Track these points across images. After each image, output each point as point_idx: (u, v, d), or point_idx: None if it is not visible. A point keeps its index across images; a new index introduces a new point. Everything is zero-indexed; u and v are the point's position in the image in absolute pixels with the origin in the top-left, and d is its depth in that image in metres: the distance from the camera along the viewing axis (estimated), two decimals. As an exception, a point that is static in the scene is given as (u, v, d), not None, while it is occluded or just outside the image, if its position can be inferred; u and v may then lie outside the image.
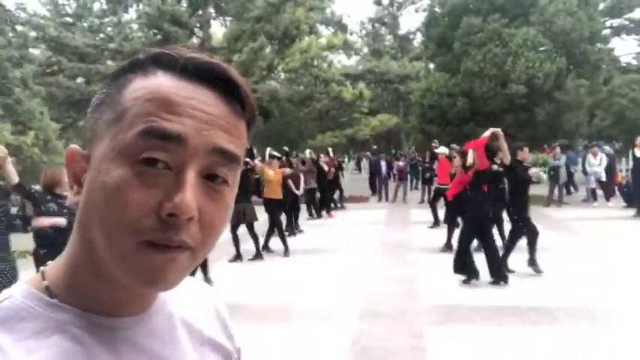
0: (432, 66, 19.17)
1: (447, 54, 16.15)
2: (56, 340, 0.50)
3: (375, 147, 22.53)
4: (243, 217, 7.42)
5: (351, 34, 37.25)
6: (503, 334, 4.44)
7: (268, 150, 9.80)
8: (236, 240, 7.58)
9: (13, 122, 14.07)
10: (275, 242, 8.25)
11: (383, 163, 16.97)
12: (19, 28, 16.32)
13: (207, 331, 0.65)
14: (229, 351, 0.67)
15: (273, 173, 8.29)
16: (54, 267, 0.56)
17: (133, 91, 0.51)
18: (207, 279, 5.92)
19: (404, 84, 29.62)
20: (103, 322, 0.53)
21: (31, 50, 15.70)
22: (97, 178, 0.49)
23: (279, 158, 9.12)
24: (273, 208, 8.24)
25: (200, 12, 21.32)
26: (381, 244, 8.91)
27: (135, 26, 24.95)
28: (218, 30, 27.65)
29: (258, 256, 7.82)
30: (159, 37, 19.82)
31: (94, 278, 0.52)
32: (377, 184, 17.07)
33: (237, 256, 7.69)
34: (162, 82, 0.51)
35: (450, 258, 6.37)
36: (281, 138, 24.63)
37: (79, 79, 22.72)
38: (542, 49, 14.52)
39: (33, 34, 17.75)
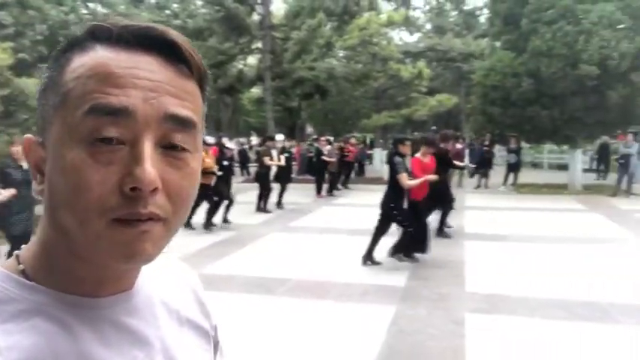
0: (497, 44, 18.25)
1: (513, 32, 15.26)
2: (36, 322, 0.50)
3: (433, 127, 21.90)
4: None
5: (414, 9, 36.10)
6: (547, 327, 4.28)
7: None
8: None
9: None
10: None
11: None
12: (90, 5, 17.14)
13: (185, 310, 0.66)
14: (206, 329, 0.68)
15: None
16: (28, 251, 0.55)
17: (73, 70, 0.49)
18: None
19: (467, 63, 28.46)
20: (82, 302, 0.53)
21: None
22: (55, 165, 0.49)
23: None
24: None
25: (261, -12, 21.35)
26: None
27: (199, 2, 25.45)
28: (280, 7, 27.73)
29: None
30: (221, 13, 20.08)
31: (71, 260, 0.52)
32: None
33: None
34: (100, 55, 0.49)
35: (499, 246, 6.16)
36: (337, 117, 24.48)
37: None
38: (619, 27, 13.43)
39: (103, 10, 18.57)
